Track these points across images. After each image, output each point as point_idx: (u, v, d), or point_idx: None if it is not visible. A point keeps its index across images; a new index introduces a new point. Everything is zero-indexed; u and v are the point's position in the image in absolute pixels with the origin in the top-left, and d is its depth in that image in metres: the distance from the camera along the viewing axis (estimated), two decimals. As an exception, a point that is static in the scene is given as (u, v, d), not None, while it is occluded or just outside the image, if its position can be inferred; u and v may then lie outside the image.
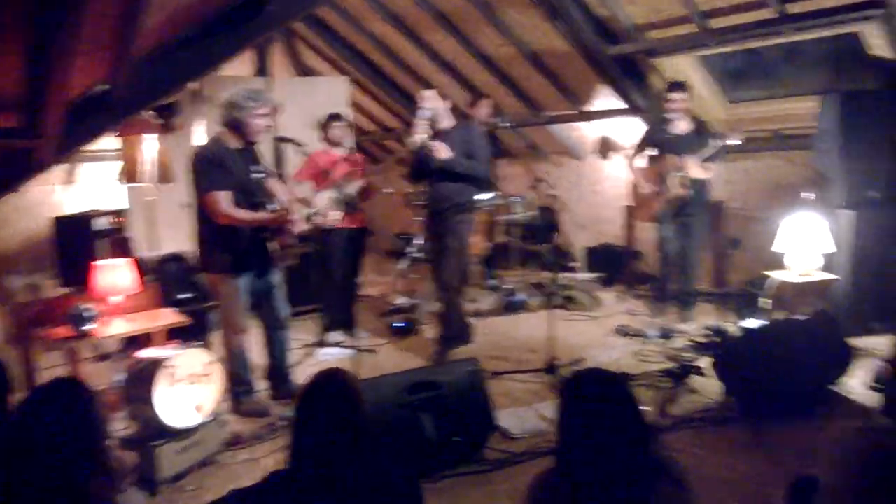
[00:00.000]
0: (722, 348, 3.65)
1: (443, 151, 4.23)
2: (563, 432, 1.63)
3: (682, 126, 4.72)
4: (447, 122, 4.39)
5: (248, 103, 3.52)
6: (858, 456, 1.57)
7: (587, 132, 7.10)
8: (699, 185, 4.71)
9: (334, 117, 5.17)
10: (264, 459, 3.27)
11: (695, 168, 4.53)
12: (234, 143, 3.62)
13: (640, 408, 1.60)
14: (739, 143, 4.44)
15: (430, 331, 5.25)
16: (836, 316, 4.05)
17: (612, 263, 6.63)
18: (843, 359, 3.63)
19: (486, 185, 4.98)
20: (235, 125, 3.58)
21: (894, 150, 4.32)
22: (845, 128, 4.31)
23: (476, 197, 4.62)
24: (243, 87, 3.65)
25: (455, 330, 4.54)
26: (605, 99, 6.35)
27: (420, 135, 4.23)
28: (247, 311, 3.79)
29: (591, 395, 1.61)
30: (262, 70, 6.88)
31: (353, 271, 5.11)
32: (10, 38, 2.85)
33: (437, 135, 4.34)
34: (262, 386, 4.00)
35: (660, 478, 1.55)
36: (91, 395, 1.88)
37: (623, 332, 4.97)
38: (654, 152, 5.05)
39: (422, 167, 4.41)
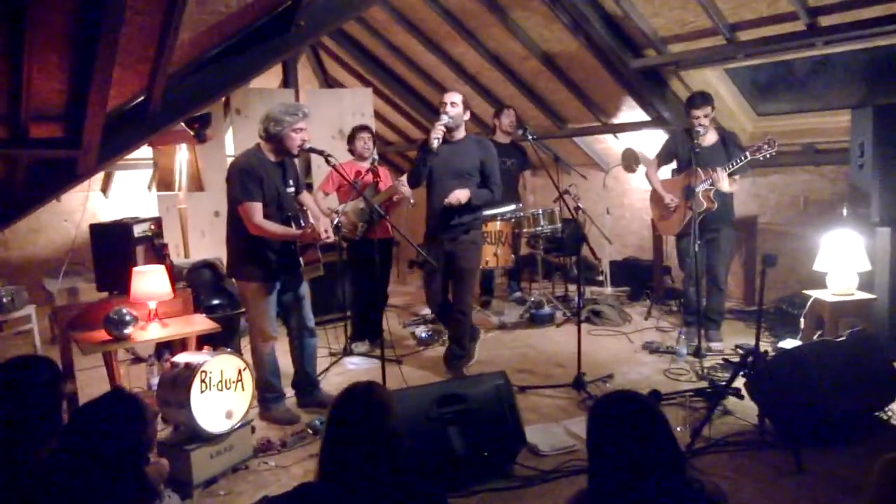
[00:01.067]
0: (757, 369, 3.45)
1: (462, 196, 4.10)
2: (595, 455, 1.61)
3: (708, 138, 4.65)
4: (461, 133, 4.26)
5: (287, 118, 3.58)
6: None
7: (613, 144, 7.11)
8: (725, 199, 4.63)
9: (361, 129, 5.22)
10: (293, 467, 3.29)
11: (725, 181, 4.47)
12: (271, 156, 3.69)
13: (672, 430, 1.58)
14: (773, 153, 4.35)
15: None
16: (876, 337, 3.86)
17: (639, 277, 6.57)
18: (889, 383, 3.48)
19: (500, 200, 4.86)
20: (273, 139, 3.64)
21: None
22: (879, 143, 4.20)
23: (489, 212, 4.46)
24: (282, 102, 3.74)
25: (468, 349, 4.52)
26: (631, 111, 6.35)
27: (436, 138, 4.05)
28: (275, 320, 3.84)
29: (621, 418, 1.59)
30: (288, 82, 6.98)
31: (381, 281, 5.16)
32: (53, 53, 2.95)
33: (447, 142, 4.18)
34: (289, 393, 4.04)
35: (698, 502, 1.52)
36: (145, 411, 1.93)
37: (652, 348, 4.87)
38: (674, 164, 4.97)
39: (421, 172, 4.25)
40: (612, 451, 1.56)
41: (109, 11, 2.63)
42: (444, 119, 4.09)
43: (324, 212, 4.78)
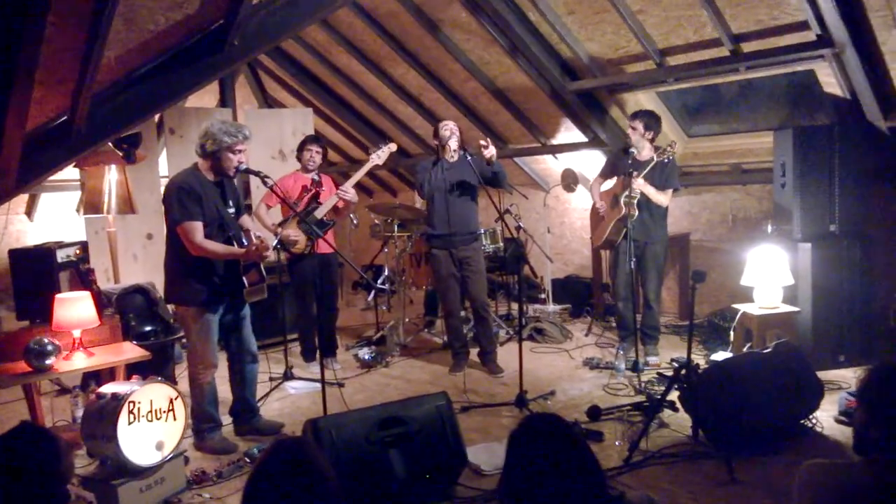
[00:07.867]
0: (689, 382, 3.58)
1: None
2: (510, 481, 1.59)
3: (644, 154, 4.78)
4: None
5: (225, 138, 3.47)
6: (828, 493, 1.57)
7: (552, 165, 7.23)
8: (652, 214, 4.72)
9: (310, 140, 5.12)
10: (229, 498, 3.16)
11: (641, 187, 4.55)
12: (209, 175, 3.58)
13: (589, 450, 1.57)
14: (672, 155, 4.55)
15: (398, 363, 5.24)
16: (800, 348, 4.04)
17: (579, 295, 6.68)
18: (813, 392, 3.62)
19: None
20: (209, 157, 3.53)
21: (846, 183, 4.45)
22: (799, 162, 4.44)
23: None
24: (223, 120, 3.61)
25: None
26: (569, 132, 6.48)
27: None
28: (216, 346, 3.71)
29: (537, 443, 1.57)
30: (225, 101, 6.85)
31: (330, 297, 5.08)
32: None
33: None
34: (225, 421, 3.90)
35: None
36: (57, 443, 1.82)
37: (592, 364, 4.95)
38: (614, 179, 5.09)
39: None
40: (529, 477, 1.54)
41: (28, 28, 2.52)
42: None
43: (267, 227, 4.69)
